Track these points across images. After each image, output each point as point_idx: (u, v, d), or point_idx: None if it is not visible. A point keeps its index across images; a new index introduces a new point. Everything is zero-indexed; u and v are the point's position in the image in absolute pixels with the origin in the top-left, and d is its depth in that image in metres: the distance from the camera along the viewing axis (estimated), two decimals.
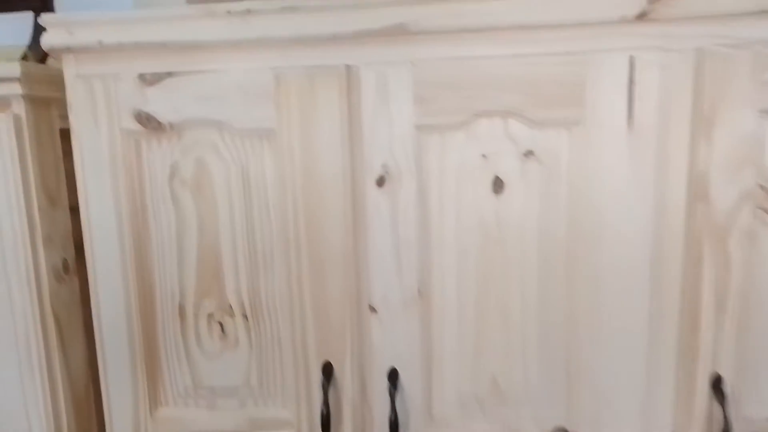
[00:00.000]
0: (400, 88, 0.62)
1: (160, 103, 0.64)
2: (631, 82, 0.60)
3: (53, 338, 0.72)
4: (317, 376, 0.68)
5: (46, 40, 0.63)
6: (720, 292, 0.62)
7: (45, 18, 0.63)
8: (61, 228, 0.75)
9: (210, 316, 0.69)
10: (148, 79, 0.64)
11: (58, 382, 0.73)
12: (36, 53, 0.91)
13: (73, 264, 0.77)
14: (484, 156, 0.63)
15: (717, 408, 0.64)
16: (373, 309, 0.67)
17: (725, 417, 0.63)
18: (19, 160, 0.68)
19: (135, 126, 0.65)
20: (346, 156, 0.64)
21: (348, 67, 0.63)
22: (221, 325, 0.69)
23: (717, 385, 0.64)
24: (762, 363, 0.64)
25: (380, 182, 0.64)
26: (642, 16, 0.58)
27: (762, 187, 0.61)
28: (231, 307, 0.69)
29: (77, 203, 0.76)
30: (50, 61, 0.90)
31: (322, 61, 0.63)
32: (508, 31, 0.60)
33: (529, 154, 0.63)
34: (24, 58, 0.90)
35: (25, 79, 0.66)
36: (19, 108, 0.67)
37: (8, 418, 0.72)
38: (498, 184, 0.64)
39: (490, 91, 0.61)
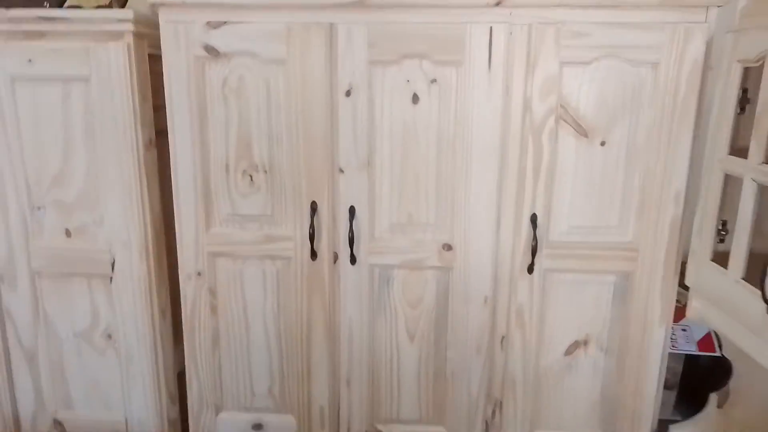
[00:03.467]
0: (360, 38, 1.06)
1: (218, 39, 1.08)
2: (490, 42, 1.05)
3: (144, 183, 1.18)
4: (307, 209, 1.16)
5: None
6: (536, 166, 1.10)
7: None
8: (148, 117, 1.19)
9: (244, 171, 1.15)
10: (212, 25, 1.07)
11: (147, 207, 1.19)
12: None
13: (153, 141, 1.22)
14: (407, 81, 1.09)
15: (532, 233, 1.13)
16: (341, 170, 1.14)
17: (536, 239, 1.12)
18: (129, 73, 1.11)
19: (203, 53, 1.09)
20: (327, 77, 1.09)
21: (330, 24, 1.07)
22: (251, 176, 1.16)
23: (534, 220, 1.13)
24: (559, 208, 1.13)
25: (347, 94, 1.09)
26: (498, 4, 1.03)
27: (561, 105, 1.07)
28: (257, 166, 1.15)
29: (154, 103, 1.21)
30: (129, 4, 1.32)
31: (314, 19, 1.07)
32: (422, 8, 1.05)
33: (433, 81, 1.08)
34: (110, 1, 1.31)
35: (134, 20, 1.09)
36: (129, 39, 1.11)
37: (115, 228, 1.19)
38: (415, 98, 1.09)
39: (411, 42, 1.06)
